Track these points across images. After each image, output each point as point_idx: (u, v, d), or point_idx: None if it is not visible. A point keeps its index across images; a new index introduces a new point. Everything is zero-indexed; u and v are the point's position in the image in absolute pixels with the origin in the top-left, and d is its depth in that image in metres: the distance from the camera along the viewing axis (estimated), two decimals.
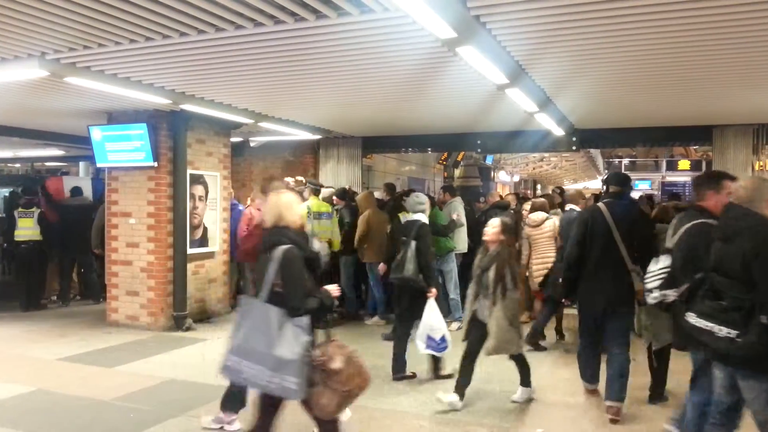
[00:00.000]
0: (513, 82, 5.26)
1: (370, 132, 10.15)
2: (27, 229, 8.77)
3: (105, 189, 8.10)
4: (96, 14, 3.90)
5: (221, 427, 4.25)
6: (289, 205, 3.26)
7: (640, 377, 5.02)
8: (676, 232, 3.70)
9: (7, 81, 5.54)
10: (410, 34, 4.21)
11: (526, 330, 7.47)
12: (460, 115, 7.87)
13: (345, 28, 4.12)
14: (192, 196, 7.77)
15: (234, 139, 9.17)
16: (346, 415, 3.87)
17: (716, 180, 3.67)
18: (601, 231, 4.62)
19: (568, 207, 6.84)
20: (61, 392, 5.16)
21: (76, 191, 9.80)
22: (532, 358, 6.25)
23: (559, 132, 8.57)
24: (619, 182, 5.02)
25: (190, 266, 7.76)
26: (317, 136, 9.90)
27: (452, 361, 5.25)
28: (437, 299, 5.41)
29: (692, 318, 3.14)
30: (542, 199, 7.77)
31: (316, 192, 7.83)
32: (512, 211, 8.23)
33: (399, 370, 5.44)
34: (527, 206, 8.03)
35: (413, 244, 5.40)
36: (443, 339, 5.22)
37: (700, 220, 3.56)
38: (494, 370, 5.47)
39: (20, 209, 8.86)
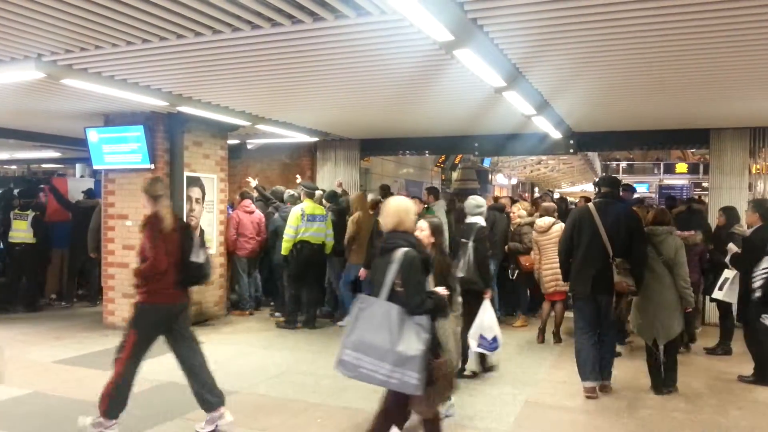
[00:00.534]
0: (510, 85, 5.27)
1: (368, 134, 10.15)
2: (21, 231, 8.77)
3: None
4: (93, 16, 3.89)
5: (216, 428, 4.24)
6: (407, 210, 3.46)
7: (637, 371, 5.03)
8: None
9: (3, 83, 5.54)
10: (407, 37, 4.21)
11: (527, 334, 7.52)
12: (457, 117, 7.87)
13: (342, 30, 4.12)
14: (189, 198, 7.75)
15: (231, 142, 9.15)
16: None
17: None
18: (588, 227, 5.17)
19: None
20: (57, 395, 5.15)
21: (92, 193, 9.78)
22: (532, 360, 6.28)
23: (556, 135, 8.58)
24: (609, 184, 5.53)
25: None
26: (315, 139, 9.90)
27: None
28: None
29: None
30: (552, 204, 7.78)
31: (310, 195, 7.87)
32: (506, 214, 8.24)
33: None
34: (515, 208, 8.07)
35: (471, 246, 5.47)
36: (495, 339, 5.39)
37: None
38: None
39: (16, 211, 8.85)
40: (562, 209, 8.99)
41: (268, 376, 5.81)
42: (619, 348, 6.13)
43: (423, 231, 4.22)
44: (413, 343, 3.15)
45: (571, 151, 9.65)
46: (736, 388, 5.52)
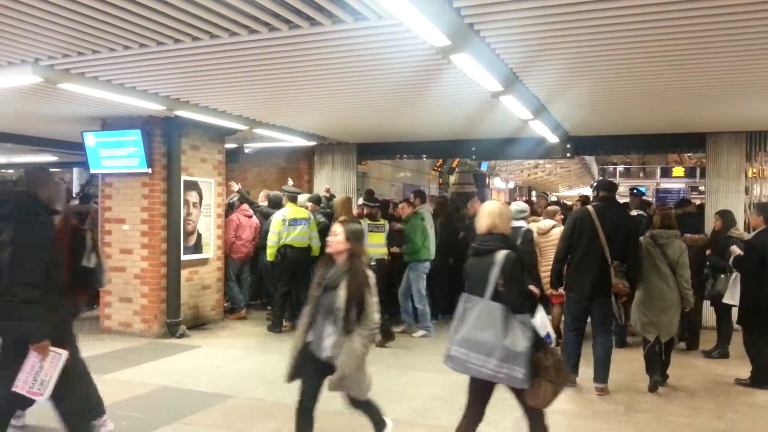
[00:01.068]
0: (507, 90, 5.27)
1: (365, 138, 10.16)
2: None
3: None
4: (90, 20, 3.89)
5: None
6: (501, 214, 3.63)
7: (634, 374, 5.03)
8: None
9: (0, 87, 5.52)
10: (404, 42, 4.22)
11: None
12: (454, 122, 7.89)
13: (339, 35, 4.13)
14: (186, 202, 7.75)
15: (228, 146, 9.16)
16: None
17: None
18: (587, 229, 5.33)
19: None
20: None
21: (87, 198, 9.73)
22: None
23: (553, 139, 8.59)
24: (607, 188, 5.72)
25: (184, 273, 7.74)
26: (312, 143, 9.90)
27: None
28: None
29: None
30: (555, 207, 7.81)
31: (292, 199, 7.95)
32: None
33: None
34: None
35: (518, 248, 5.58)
36: (548, 335, 5.41)
37: None
38: None
39: None
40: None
41: (265, 380, 5.80)
42: (618, 350, 6.15)
43: (337, 236, 3.70)
44: (519, 340, 3.33)
45: (568, 155, 9.69)
46: (733, 392, 5.53)
